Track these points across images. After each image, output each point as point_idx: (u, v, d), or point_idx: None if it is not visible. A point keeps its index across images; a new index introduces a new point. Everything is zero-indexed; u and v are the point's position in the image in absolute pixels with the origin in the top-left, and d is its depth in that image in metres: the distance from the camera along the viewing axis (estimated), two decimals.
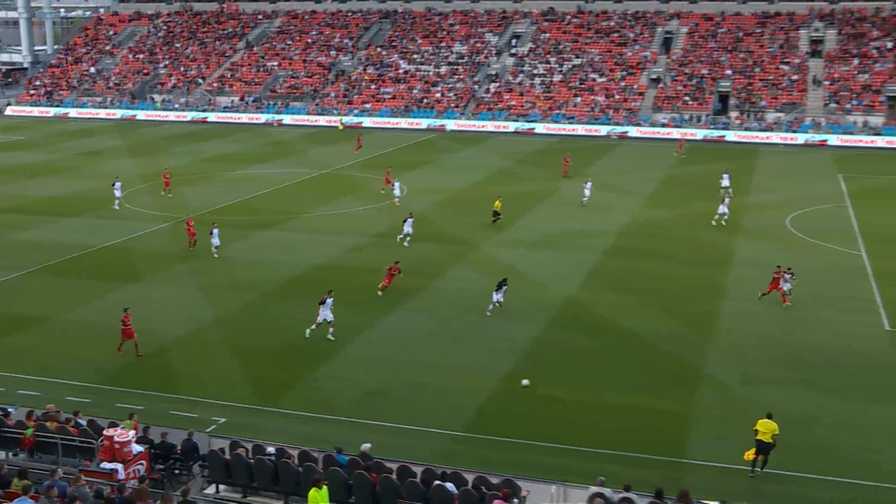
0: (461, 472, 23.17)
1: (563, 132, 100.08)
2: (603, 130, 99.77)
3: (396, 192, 62.53)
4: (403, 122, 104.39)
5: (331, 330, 37.19)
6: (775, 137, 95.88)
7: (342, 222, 57.53)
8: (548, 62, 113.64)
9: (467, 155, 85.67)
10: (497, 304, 39.97)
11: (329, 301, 37.24)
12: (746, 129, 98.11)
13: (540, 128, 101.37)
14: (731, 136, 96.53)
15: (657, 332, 38.21)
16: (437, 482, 22.22)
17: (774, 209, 61.93)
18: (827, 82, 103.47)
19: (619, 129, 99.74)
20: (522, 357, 35.40)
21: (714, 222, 56.89)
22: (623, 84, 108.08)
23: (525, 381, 32.62)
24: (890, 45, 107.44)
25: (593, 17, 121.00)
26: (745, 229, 56.60)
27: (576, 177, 72.38)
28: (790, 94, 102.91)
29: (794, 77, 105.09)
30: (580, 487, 22.73)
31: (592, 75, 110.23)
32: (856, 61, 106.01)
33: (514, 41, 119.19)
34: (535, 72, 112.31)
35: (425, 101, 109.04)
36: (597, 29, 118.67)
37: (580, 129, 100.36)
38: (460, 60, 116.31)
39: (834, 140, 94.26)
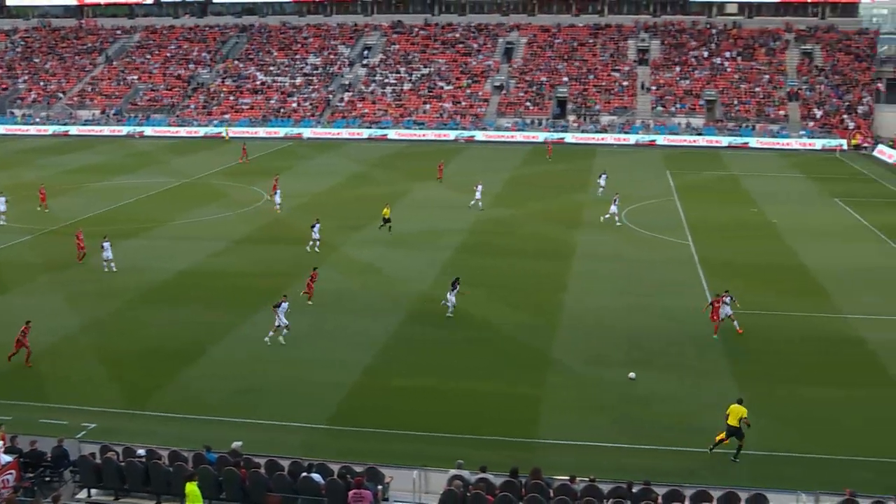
0: (327, 462, 22.94)
1: (414, 137, 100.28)
2: (451, 135, 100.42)
3: (277, 199, 61.31)
4: (262, 132, 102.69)
5: (284, 332, 36.27)
6: (609, 138, 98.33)
7: (205, 229, 56.29)
8: (398, 72, 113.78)
9: (324, 161, 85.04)
10: (452, 305, 39.17)
11: (284, 305, 36.41)
12: (583, 131, 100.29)
13: (392, 134, 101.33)
14: (569, 138, 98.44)
15: (507, 322, 38.62)
16: (304, 474, 21.95)
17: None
18: (654, 87, 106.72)
19: (466, 133, 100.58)
20: (381, 351, 35.29)
21: (617, 222, 56.89)
22: (469, 91, 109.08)
23: (631, 374, 32.46)
24: (706, 53, 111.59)
25: (439, 30, 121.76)
26: (584, 224, 57.84)
27: (447, 182, 72.87)
28: (621, 98, 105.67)
29: (625, 83, 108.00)
30: (440, 471, 22.78)
31: (440, 83, 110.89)
32: (678, 69, 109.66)
33: (365, 52, 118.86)
34: (387, 81, 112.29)
35: (282, 110, 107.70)
36: (443, 40, 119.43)
37: (430, 135, 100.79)
38: (315, 71, 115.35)
39: (661, 140, 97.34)
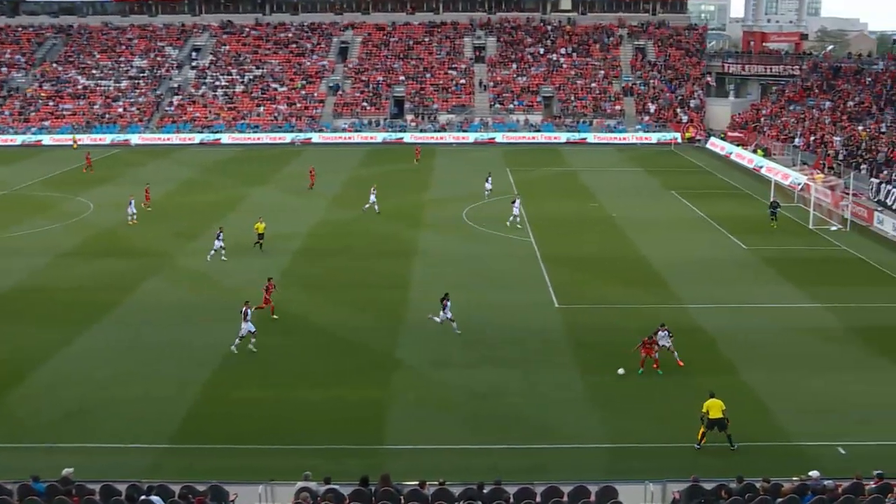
0: (167, 483, 22.27)
1: (249, 141, 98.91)
2: (287, 138, 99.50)
3: (131, 209, 58.73)
4: (86, 139, 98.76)
5: (253, 341, 35.47)
6: (449, 137, 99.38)
7: (27, 243, 53.80)
8: (229, 74, 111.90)
9: (155, 168, 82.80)
10: (451, 321, 36.81)
11: (249, 312, 35.58)
12: (422, 130, 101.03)
13: (225, 138, 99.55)
14: (408, 137, 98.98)
15: (350, 325, 38.46)
16: (142, 497, 21.25)
17: (452, 203, 64.15)
18: (491, 85, 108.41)
19: (302, 135, 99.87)
20: (222, 363, 34.51)
21: (518, 224, 56.39)
22: (304, 93, 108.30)
23: (620, 370, 32.65)
24: (542, 50, 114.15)
25: (271, 29, 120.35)
26: (426, 223, 58.25)
27: (283, 184, 72.05)
28: (459, 96, 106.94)
29: (462, 81, 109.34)
30: (286, 484, 22.44)
31: (274, 85, 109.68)
32: (514, 66, 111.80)
33: (194, 54, 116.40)
34: (218, 83, 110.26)
35: (107, 116, 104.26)
36: (275, 40, 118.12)
37: (265, 138, 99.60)
38: (141, 74, 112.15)
39: (501, 138, 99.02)
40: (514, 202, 57.93)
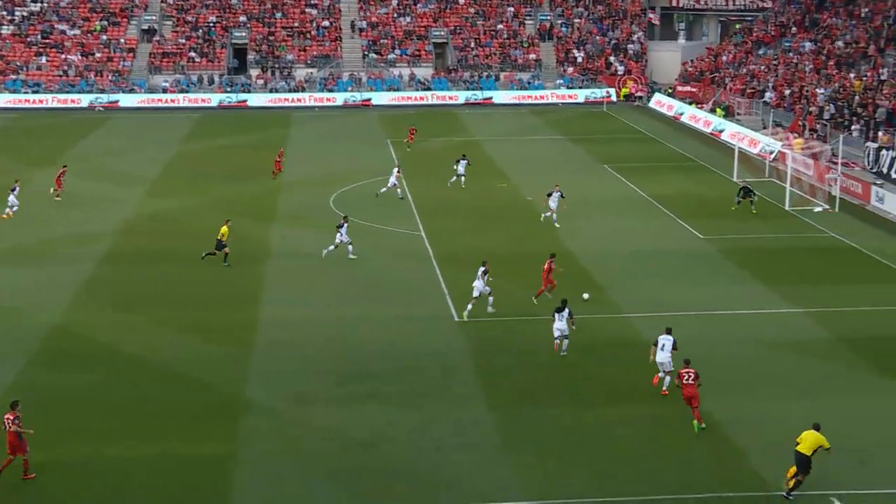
0: None
1: (26, 105, 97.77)
2: (84, 100, 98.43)
3: (12, 199, 57.25)
4: None
5: (490, 300, 41.76)
6: (309, 99, 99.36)
7: None
8: None
9: None
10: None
11: (482, 271, 41.56)
12: (273, 90, 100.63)
13: None
14: (254, 100, 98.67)
15: (181, 354, 38.13)
16: None
17: (315, 187, 64.10)
18: (365, 27, 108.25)
19: (105, 97, 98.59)
20: None
21: (555, 222, 55.95)
22: (105, 38, 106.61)
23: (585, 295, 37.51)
24: None
25: None
26: (280, 214, 58.15)
27: (73, 172, 70.88)
28: (322, 44, 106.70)
29: (325, 23, 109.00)
30: None
31: (61, 26, 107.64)
32: (395, 1, 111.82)
33: None
34: None
35: None
36: None
37: (51, 100, 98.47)
38: None
39: (378, 99, 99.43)
40: (551, 195, 56.04)
